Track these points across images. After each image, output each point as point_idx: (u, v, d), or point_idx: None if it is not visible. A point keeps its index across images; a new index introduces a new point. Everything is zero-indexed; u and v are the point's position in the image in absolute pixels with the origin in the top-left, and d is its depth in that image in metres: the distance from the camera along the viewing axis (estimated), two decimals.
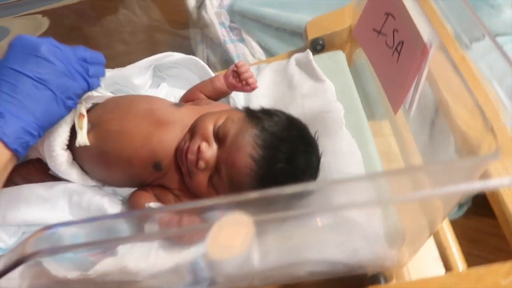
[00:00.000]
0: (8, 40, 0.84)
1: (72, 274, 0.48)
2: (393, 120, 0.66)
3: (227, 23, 1.10)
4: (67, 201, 0.58)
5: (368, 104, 0.71)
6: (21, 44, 0.47)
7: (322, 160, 0.61)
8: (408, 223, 0.52)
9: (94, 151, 0.57)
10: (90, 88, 0.52)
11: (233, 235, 0.27)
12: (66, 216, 0.58)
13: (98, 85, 0.54)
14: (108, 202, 0.57)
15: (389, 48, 0.51)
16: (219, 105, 0.65)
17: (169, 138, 0.56)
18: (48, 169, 0.58)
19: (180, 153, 0.54)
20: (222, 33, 1.11)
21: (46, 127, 0.47)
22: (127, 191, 0.60)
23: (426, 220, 0.47)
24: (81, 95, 0.52)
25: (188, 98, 0.67)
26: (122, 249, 0.48)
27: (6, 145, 0.43)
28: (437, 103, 0.49)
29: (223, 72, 0.68)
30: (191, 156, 0.52)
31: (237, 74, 0.64)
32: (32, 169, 0.61)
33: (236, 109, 0.59)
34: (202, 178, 0.53)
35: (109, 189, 0.61)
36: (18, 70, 0.45)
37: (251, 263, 0.51)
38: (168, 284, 0.53)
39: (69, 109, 0.50)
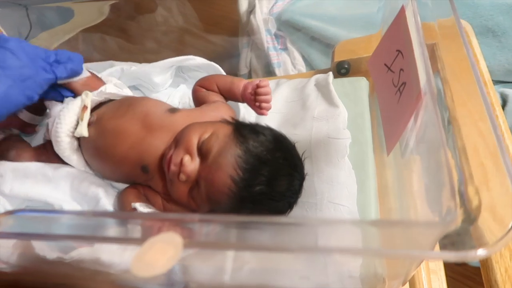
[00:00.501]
0: (69, 23, 0.90)
1: (51, 255, 0.51)
2: (397, 156, 0.63)
3: (273, 30, 1.11)
4: (69, 184, 0.61)
5: (382, 133, 0.69)
6: None
7: (316, 186, 0.60)
8: (389, 266, 0.50)
9: (91, 144, 0.60)
10: (57, 80, 0.57)
11: (159, 254, 0.27)
12: (67, 198, 0.62)
13: (65, 78, 0.59)
14: (103, 192, 0.60)
15: (394, 87, 0.49)
16: (219, 109, 0.63)
17: (157, 144, 0.57)
18: None
19: (164, 161, 0.55)
20: (266, 39, 1.12)
21: (5, 111, 0.51)
22: (123, 185, 0.63)
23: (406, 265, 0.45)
24: (45, 86, 0.56)
25: (202, 84, 0.67)
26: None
27: None
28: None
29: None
30: (174, 168, 0.53)
31: (255, 92, 0.62)
32: (44, 150, 0.65)
33: (226, 121, 0.58)
34: (182, 189, 0.54)
35: (107, 180, 0.64)
36: None
37: (223, 276, 0.52)
38: (141, 281, 0.55)
39: (30, 98, 0.53)
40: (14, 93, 0.50)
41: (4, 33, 0.88)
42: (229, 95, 0.66)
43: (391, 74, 0.51)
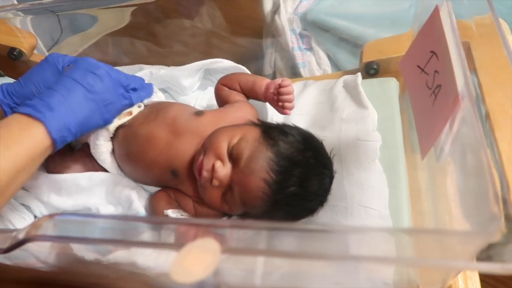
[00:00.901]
0: (96, 27, 0.93)
1: (89, 256, 0.52)
2: (431, 159, 0.62)
3: (298, 30, 1.10)
4: (104, 189, 0.63)
5: (413, 135, 0.68)
6: (85, 63, 0.55)
7: (346, 189, 0.60)
8: (424, 273, 0.49)
9: (123, 148, 0.62)
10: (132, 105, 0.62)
11: (197, 261, 0.28)
12: (102, 202, 0.63)
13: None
14: (136, 195, 0.61)
15: (428, 89, 0.48)
16: (242, 109, 0.63)
17: (185, 148, 0.58)
18: None
19: (194, 167, 0.55)
20: (291, 39, 1.11)
21: (84, 131, 0.54)
22: (154, 188, 0.64)
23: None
24: (122, 111, 0.60)
25: (225, 82, 0.67)
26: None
27: (50, 133, 0.48)
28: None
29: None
30: (206, 174, 0.53)
31: (278, 91, 0.62)
32: (81, 152, 0.67)
33: (253, 124, 0.58)
34: (215, 194, 0.54)
35: (139, 183, 0.65)
36: (76, 80, 0.53)
37: (253, 279, 0.52)
38: (175, 284, 0.56)
39: (105, 121, 0.57)
40: (95, 116, 0.54)
41: (38, 39, 0.91)
42: (251, 94, 0.66)
43: (424, 76, 0.50)
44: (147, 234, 0.38)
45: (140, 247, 0.36)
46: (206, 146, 0.55)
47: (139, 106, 0.63)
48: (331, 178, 0.56)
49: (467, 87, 0.38)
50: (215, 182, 0.52)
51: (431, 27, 0.49)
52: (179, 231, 0.36)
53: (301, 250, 0.32)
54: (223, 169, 0.53)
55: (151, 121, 0.61)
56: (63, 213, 0.44)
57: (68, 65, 0.59)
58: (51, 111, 0.49)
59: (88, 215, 0.56)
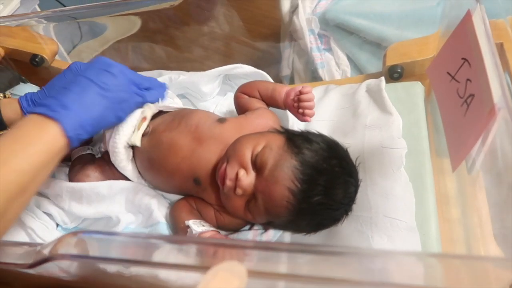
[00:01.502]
0: (101, 37, 0.94)
1: (111, 268, 0.52)
2: (462, 170, 0.60)
3: (317, 30, 1.08)
4: (124, 197, 0.63)
5: (440, 139, 0.65)
6: (99, 62, 0.56)
7: (370, 199, 0.58)
8: None
9: (145, 156, 0.61)
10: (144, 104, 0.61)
11: (224, 284, 0.27)
12: (122, 210, 0.63)
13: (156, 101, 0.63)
14: (156, 204, 0.61)
15: (460, 98, 0.46)
16: (264, 116, 0.63)
17: (208, 156, 0.57)
18: None
19: (217, 175, 0.55)
20: (310, 40, 1.09)
21: (98, 129, 0.53)
22: (175, 196, 0.63)
23: None
24: (134, 109, 0.59)
25: (244, 90, 0.67)
26: (156, 257, 0.51)
27: (65, 131, 0.48)
28: None
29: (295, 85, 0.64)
30: (229, 183, 0.52)
31: (298, 98, 0.61)
32: (103, 162, 0.67)
33: (276, 131, 0.57)
34: (239, 203, 0.53)
35: (159, 191, 0.65)
36: (91, 78, 0.53)
37: None
38: None
39: (119, 119, 0.57)
40: (109, 114, 0.54)
41: (60, 44, 0.92)
42: (270, 102, 0.65)
43: (455, 83, 0.47)
44: (170, 252, 0.37)
45: (164, 268, 0.36)
46: (230, 154, 0.54)
47: (150, 108, 0.62)
48: (356, 186, 0.54)
49: (504, 98, 0.36)
50: (239, 191, 0.52)
51: (463, 33, 0.46)
52: (202, 250, 0.35)
53: (326, 275, 0.31)
54: (247, 178, 0.52)
55: (174, 129, 0.60)
56: (87, 231, 0.44)
57: None
58: (66, 110, 0.49)
59: (111, 233, 0.55)
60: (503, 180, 0.47)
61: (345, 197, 0.53)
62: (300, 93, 0.60)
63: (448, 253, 0.51)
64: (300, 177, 0.49)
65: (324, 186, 0.50)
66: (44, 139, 0.47)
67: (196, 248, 0.36)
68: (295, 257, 0.31)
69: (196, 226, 0.54)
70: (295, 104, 0.61)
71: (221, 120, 0.62)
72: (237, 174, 0.52)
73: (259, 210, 0.52)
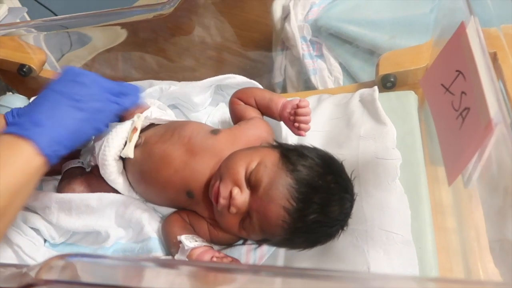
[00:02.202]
0: (90, 46, 0.93)
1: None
2: (458, 184, 0.59)
3: (309, 37, 1.08)
4: (114, 211, 0.61)
5: (434, 148, 0.65)
6: (68, 73, 0.53)
7: (365, 211, 0.57)
8: None
9: (136, 168, 0.60)
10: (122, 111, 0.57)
11: None
12: (112, 224, 0.62)
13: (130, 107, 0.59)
14: (147, 218, 0.59)
15: (455, 111, 0.45)
16: (258, 127, 0.62)
17: (201, 169, 0.56)
18: None
19: (211, 193, 0.53)
20: (302, 47, 1.09)
21: (77, 143, 0.51)
22: (167, 209, 0.62)
23: None
24: (113, 118, 0.56)
25: (240, 97, 0.65)
26: (148, 281, 0.49)
27: (40, 150, 0.46)
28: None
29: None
30: (223, 201, 0.51)
31: (295, 112, 0.59)
32: (91, 175, 0.65)
33: (270, 146, 0.56)
34: (233, 221, 0.52)
35: (151, 205, 0.63)
36: (60, 91, 0.50)
37: None
38: None
39: (98, 130, 0.54)
40: (86, 126, 0.51)
41: (49, 53, 0.90)
42: (265, 111, 0.64)
43: (449, 96, 0.47)
44: (163, 275, 0.36)
45: None
46: (223, 172, 0.53)
47: (140, 119, 0.61)
48: (352, 201, 0.54)
49: (502, 113, 0.36)
50: (233, 210, 0.50)
51: (457, 45, 0.46)
52: (199, 273, 0.34)
53: None
54: (241, 196, 0.51)
55: (166, 140, 0.59)
56: (74, 254, 0.42)
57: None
58: (38, 127, 0.47)
59: (99, 256, 0.54)
60: (499, 192, 0.46)
61: (341, 214, 0.52)
62: (297, 106, 0.59)
63: (446, 278, 0.50)
64: (295, 195, 0.48)
65: (320, 204, 0.49)
66: (18, 160, 0.45)
67: (189, 271, 0.35)
68: (290, 282, 0.30)
69: (189, 242, 0.53)
70: (291, 118, 0.60)
71: (215, 132, 0.60)
72: (231, 192, 0.50)
73: (254, 228, 0.51)
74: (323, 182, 0.50)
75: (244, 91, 0.66)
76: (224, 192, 0.51)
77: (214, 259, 0.51)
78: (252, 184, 0.51)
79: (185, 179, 0.57)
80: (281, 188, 0.49)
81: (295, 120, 0.59)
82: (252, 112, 0.64)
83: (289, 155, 0.52)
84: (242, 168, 0.52)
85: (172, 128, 0.61)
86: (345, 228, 0.54)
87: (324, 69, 1.08)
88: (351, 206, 0.54)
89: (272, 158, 0.52)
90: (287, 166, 0.50)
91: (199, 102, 0.73)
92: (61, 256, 0.36)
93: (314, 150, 0.55)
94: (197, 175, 0.56)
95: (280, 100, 0.62)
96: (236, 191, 0.50)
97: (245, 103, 0.65)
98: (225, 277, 0.32)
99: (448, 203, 0.62)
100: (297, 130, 0.59)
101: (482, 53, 0.41)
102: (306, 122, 0.58)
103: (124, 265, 0.35)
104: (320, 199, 0.49)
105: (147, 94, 0.77)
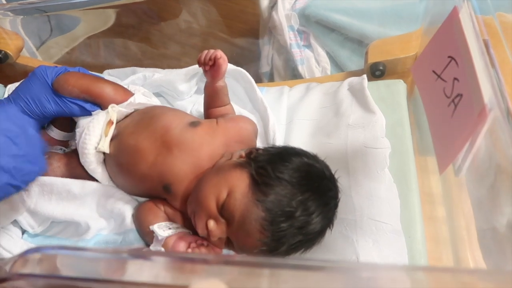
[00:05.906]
0: (71, 32, 0.89)
1: (81, 284, 0.48)
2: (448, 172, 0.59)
3: (296, 26, 1.06)
4: (96, 201, 0.59)
5: (423, 138, 0.64)
6: None
7: (354, 201, 0.56)
8: None
9: (114, 160, 0.58)
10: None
11: None
12: (93, 214, 0.59)
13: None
14: (129, 209, 0.57)
15: (446, 98, 0.44)
16: (237, 120, 0.62)
17: (178, 163, 0.54)
18: None
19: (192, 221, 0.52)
20: (289, 36, 1.07)
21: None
22: None
23: None
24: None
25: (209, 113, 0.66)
26: (128, 273, 0.47)
27: None
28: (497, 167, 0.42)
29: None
30: (202, 233, 0.50)
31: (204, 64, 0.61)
32: (72, 159, 0.62)
33: (239, 165, 0.51)
34: (218, 243, 0.51)
35: (133, 196, 0.61)
36: None
37: None
38: None
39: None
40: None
41: (27, 39, 0.86)
42: (216, 98, 0.65)
43: (441, 83, 0.46)
44: (144, 267, 0.34)
45: (138, 287, 0.33)
46: (194, 206, 0.52)
47: (112, 108, 0.59)
48: (335, 207, 0.52)
49: (496, 99, 0.35)
50: (213, 239, 0.50)
51: (449, 30, 0.45)
52: (178, 265, 0.32)
53: None
54: (217, 228, 0.49)
55: (142, 131, 0.57)
56: (50, 246, 0.40)
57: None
58: None
59: (77, 248, 0.52)
60: (487, 181, 0.46)
61: (324, 225, 0.50)
62: (199, 61, 0.60)
63: (436, 267, 0.50)
64: (269, 228, 0.46)
65: (299, 227, 0.47)
66: None
67: (165, 262, 0.33)
68: (279, 273, 0.29)
69: (162, 231, 0.51)
70: (207, 67, 0.61)
71: (194, 124, 0.58)
72: (206, 225, 0.49)
73: (238, 249, 0.51)
74: (298, 205, 0.47)
75: (209, 112, 0.66)
76: (200, 224, 0.50)
77: (190, 249, 0.50)
78: (225, 217, 0.49)
79: (162, 174, 0.55)
80: (254, 222, 0.47)
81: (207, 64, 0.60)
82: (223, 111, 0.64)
83: (260, 179, 0.48)
84: (212, 201, 0.49)
85: (148, 117, 0.59)
86: (332, 223, 0.53)
87: (312, 59, 1.07)
88: (335, 210, 0.52)
89: (241, 186, 0.49)
90: (257, 196, 0.47)
91: (184, 90, 0.71)
92: (37, 249, 0.34)
93: (292, 158, 0.51)
94: (175, 169, 0.54)
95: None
96: (211, 224, 0.49)
97: (217, 114, 0.65)
98: (206, 268, 0.30)
99: (438, 192, 0.62)
100: (214, 65, 0.60)
101: (475, 38, 0.40)
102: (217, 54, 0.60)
103: (103, 258, 0.34)
104: (298, 223, 0.47)
105: (131, 81, 0.74)
